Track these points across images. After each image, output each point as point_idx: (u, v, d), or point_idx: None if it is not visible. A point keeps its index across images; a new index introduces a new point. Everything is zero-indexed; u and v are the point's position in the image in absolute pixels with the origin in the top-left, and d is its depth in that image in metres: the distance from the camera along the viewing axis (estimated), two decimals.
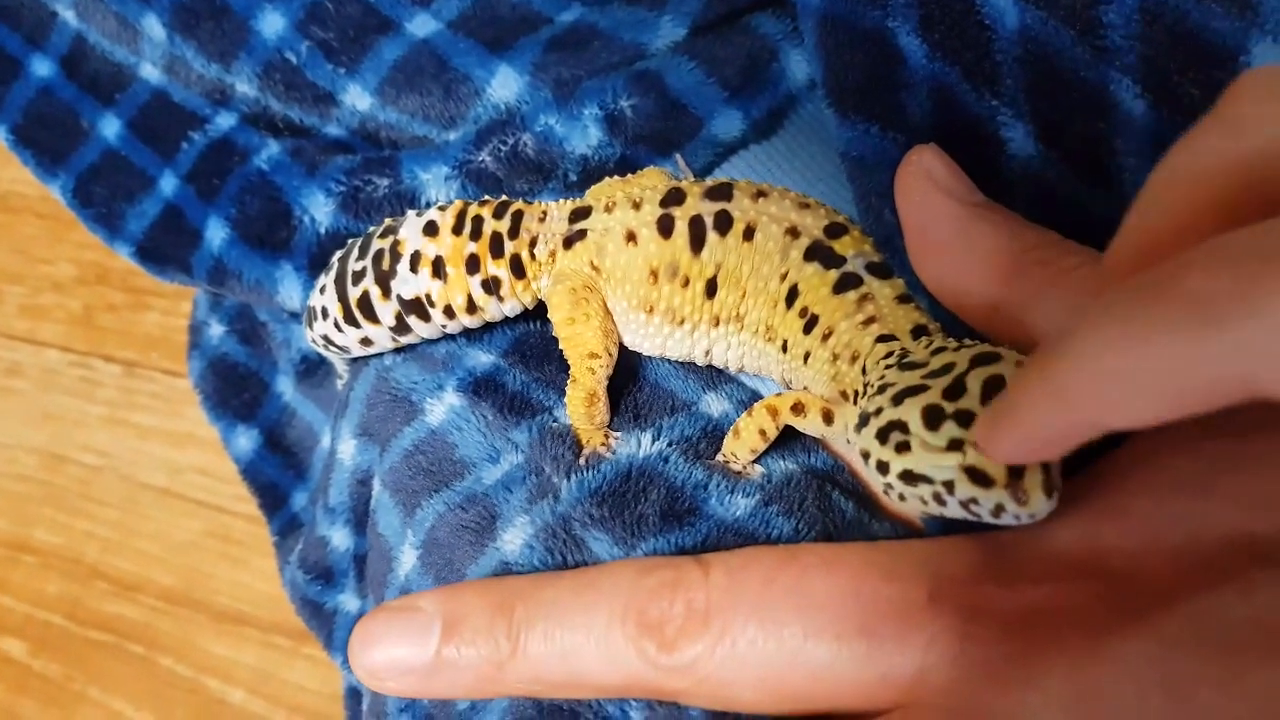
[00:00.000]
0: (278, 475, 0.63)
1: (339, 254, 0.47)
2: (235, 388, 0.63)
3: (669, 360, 0.44)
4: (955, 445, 0.30)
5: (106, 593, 0.73)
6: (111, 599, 0.73)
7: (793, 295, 0.39)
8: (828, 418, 0.38)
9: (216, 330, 0.64)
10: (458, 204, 0.44)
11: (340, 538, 0.52)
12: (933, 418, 0.31)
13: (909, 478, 0.31)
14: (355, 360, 0.50)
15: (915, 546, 0.31)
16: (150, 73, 0.57)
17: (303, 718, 0.67)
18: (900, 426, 0.31)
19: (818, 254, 0.39)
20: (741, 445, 0.40)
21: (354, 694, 0.57)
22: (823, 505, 0.38)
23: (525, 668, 0.32)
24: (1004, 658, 0.27)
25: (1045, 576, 0.28)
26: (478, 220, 0.43)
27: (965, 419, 0.30)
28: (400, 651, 0.33)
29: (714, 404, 0.43)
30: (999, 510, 0.29)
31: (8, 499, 0.77)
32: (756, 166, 0.48)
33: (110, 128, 0.58)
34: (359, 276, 0.45)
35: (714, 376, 0.44)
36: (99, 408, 0.79)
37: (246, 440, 0.63)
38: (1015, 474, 0.29)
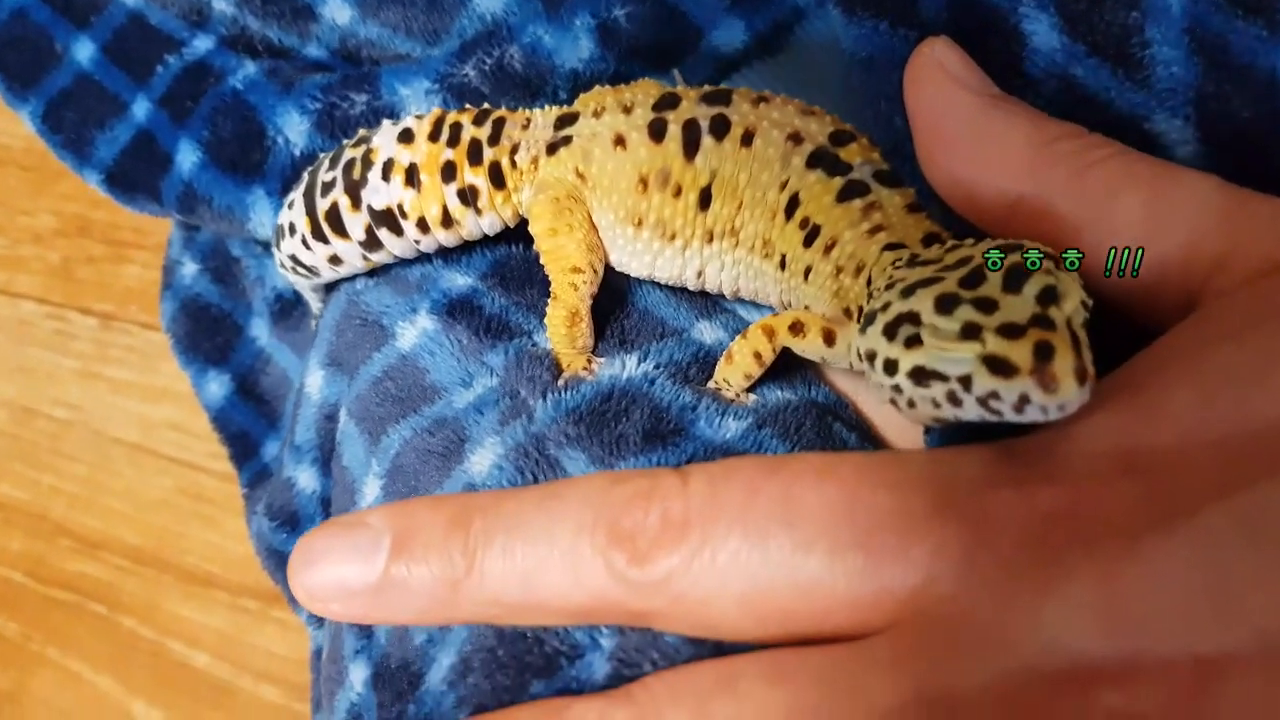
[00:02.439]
0: (249, 424, 0.60)
1: (310, 167, 0.44)
2: (208, 331, 0.60)
3: (660, 286, 0.41)
4: (972, 332, 0.26)
5: (71, 550, 0.69)
6: (76, 557, 0.69)
7: (793, 205, 0.36)
8: (829, 339, 0.35)
9: (189, 269, 0.61)
10: (436, 111, 0.42)
11: (307, 479, 0.48)
12: (946, 304, 0.27)
13: (920, 375, 0.28)
14: (328, 290, 0.47)
15: (919, 455, 0.28)
16: None
17: (270, 684, 0.63)
18: (911, 318, 0.28)
19: (822, 161, 0.36)
20: (734, 370, 0.36)
21: (320, 656, 0.53)
22: (822, 433, 0.35)
23: (482, 588, 0.29)
24: (1020, 565, 0.23)
25: (1069, 479, 0.24)
26: (456, 127, 0.40)
27: (985, 306, 0.27)
28: (344, 570, 0.30)
29: (707, 332, 0.39)
30: (1023, 403, 0.26)
31: None
32: (760, 85, 0.44)
33: (84, 51, 0.55)
34: (328, 187, 0.42)
35: (708, 305, 0.41)
36: (73, 361, 0.76)
37: (218, 386, 0.60)
38: (1042, 358, 0.25)
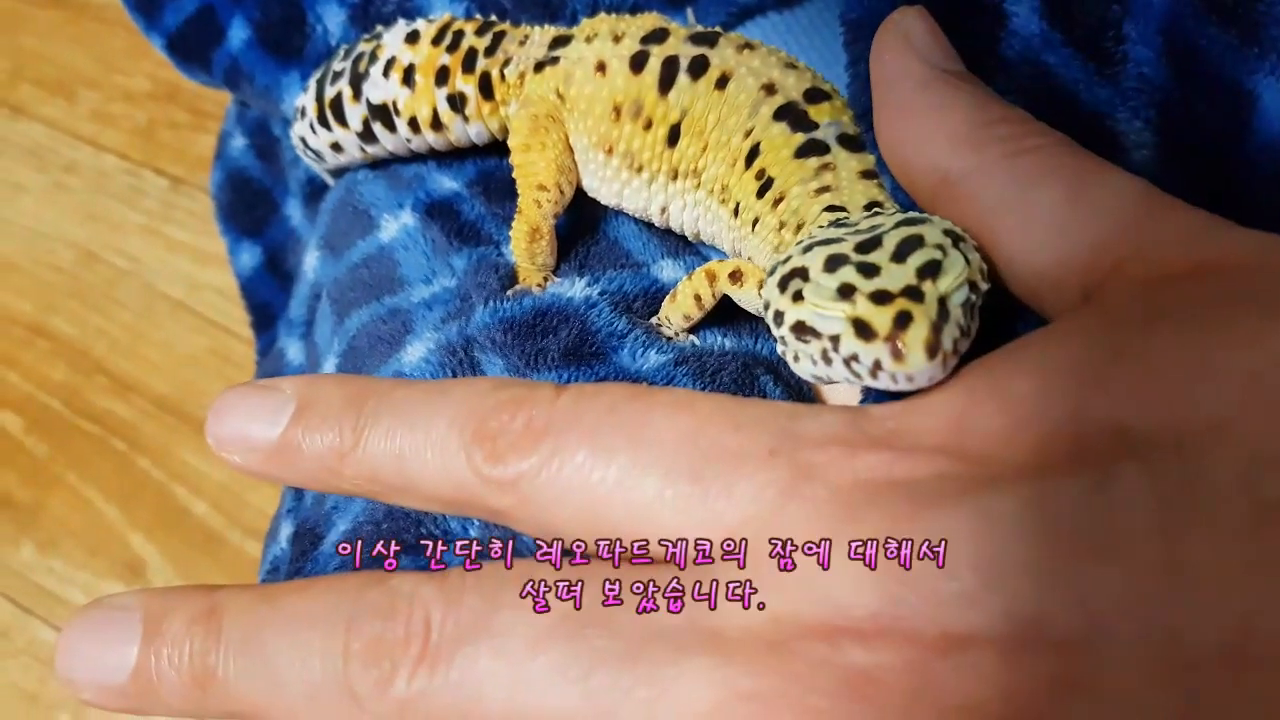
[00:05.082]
0: (271, 296, 0.63)
1: (331, 56, 0.46)
2: (248, 203, 0.64)
3: (635, 220, 0.42)
4: (847, 293, 0.27)
5: (105, 388, 0.75)
6: (108, 395, 0.74)
7: (753, 155, 0.36)
8: None
9: (239, 142, 0.64)
10: (446, 17, 0.43)
11: (295, 351, 0.51)
12: (834, 264, 0.28)
13: (800, 330, 0.28)
14: (337, 175, 0.50)
15: (781, 405, 0.28)
16: None
17: (256, 540, 0.67)
18: (801, 273, 0.29)
19: (788, 115, 0.36)
20: (675, 310, 0.37)
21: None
22: (742, 380, 0.36)
23: (363, 464, 0.30)
24: (821, 517, 0.24)
25: (895, 447, 0.25)
26: (459, 34, 0.42)
27: (868, 271, 0.27)
28: (250, 425, 0.32)
29: (668, 270, 0.40)
30: (876, 369, 0.26)
31: (38, 286, 0.79)
32: (774, 37, 0.44)
33: None
34: (337, 76, 0.44)
35: (678, 246, 0.41)
36: (140, 216, 0.81)
37: (249, 257, 0.64)
38: (899, 326, 0.26)
